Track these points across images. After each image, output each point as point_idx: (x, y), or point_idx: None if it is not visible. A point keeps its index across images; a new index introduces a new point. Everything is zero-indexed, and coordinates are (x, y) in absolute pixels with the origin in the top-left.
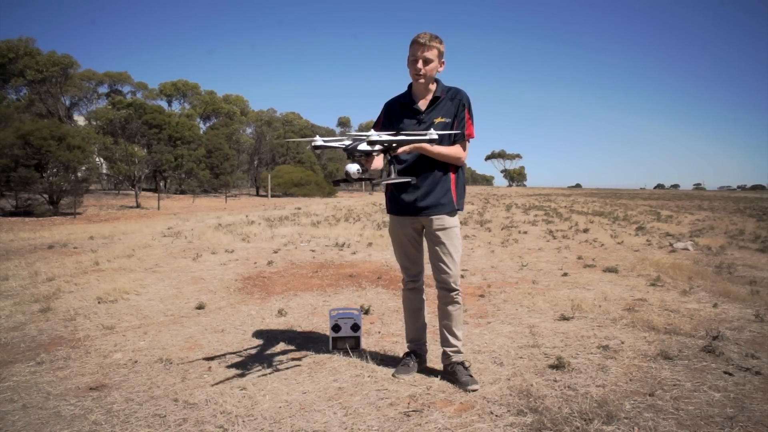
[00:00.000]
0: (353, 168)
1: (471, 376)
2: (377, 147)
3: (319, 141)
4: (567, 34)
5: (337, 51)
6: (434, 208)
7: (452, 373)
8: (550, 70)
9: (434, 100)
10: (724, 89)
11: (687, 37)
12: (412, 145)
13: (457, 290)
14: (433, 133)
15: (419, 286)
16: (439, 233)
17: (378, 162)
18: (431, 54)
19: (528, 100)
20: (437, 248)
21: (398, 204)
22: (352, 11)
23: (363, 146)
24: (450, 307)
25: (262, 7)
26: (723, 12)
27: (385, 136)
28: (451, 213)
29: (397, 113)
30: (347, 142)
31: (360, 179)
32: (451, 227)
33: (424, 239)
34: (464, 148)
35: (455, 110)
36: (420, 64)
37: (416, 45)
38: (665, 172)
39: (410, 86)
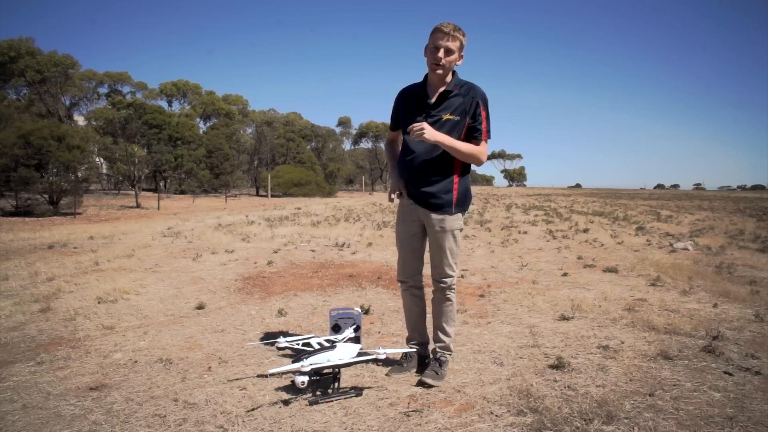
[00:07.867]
0: (299, 380)
1: (437, 373)
2: (327, 369)
3: (283, 342)
4: (567, 34)
5: (337, 51)
6: (432, 199)
7: (429, 365)
8: (551, 70)
9: (444, 95)
10: (723, 89)
11: (687, 37)
12: (427, 137)
13: (452, 289)
14: (381, 353)
15: (418, 285)
16: (439, 233)
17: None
18: (454, 45)
19: (528, 100)
20: (436, 248)
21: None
22: (352, 11)
23: (316, 365)
24: (442, 305)
25: (262, 7)
26: (722, 12)
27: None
28: (451, 214)
29: (409, 104)
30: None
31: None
32: (452, 229)
33: (426, 241)
34: (483, 149)
35: (468, 108)
36: (441, 53)
37: (439, 33)
38: (665, 172)
39: (426, 77)
